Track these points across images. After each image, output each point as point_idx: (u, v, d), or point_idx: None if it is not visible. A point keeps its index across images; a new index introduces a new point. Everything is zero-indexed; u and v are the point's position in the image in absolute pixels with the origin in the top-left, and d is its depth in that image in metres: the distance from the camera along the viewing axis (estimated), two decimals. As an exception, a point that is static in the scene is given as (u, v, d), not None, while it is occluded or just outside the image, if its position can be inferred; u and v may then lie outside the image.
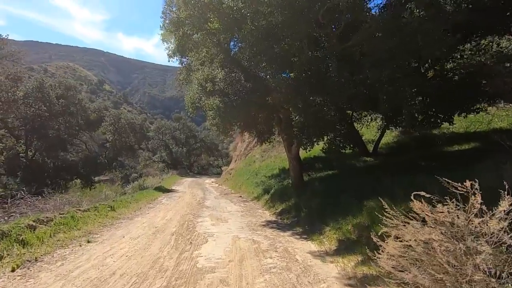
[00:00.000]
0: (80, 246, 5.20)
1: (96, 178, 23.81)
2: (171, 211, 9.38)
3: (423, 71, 6.10)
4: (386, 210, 3.01)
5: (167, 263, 4.29)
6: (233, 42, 9.42)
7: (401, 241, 2.92)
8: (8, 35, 16.10)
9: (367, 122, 12.27)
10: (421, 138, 12.15)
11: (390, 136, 13.92)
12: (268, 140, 12.63)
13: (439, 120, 6.37)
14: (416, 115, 5.96)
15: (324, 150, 8.42)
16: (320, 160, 13.71)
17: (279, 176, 14.08)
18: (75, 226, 6.27)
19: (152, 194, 13.96)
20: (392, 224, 2.93)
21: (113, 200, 9.59)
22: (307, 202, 7.81)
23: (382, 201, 5.58)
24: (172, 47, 9.45)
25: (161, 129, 42.41)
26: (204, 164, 51.12)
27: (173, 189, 18.21)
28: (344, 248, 4.70)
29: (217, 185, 22.21)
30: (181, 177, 31.66)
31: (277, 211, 8.82)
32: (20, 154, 17.05)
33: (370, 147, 12.67)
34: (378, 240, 2.97)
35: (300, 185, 9.91)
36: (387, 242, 2.90)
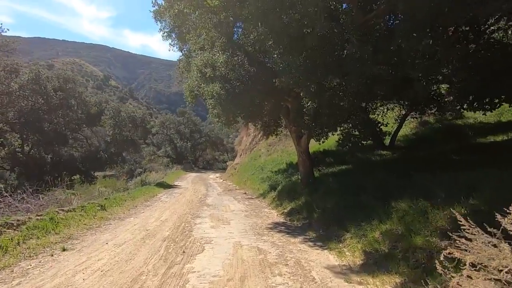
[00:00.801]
0: (52, 256, 4.37)
1: (102, 174, 23.29)
2: (168, 210, 8.54)
3: (467, 41, 4.97)
4: (461, 223, 2.00)
5: (149, 283, 3.40)
6: (236, 24, 8.43)
7: (476, 269, 1.94)
8: (2, 24, 15.33)
9: (383, 112, 11.08)
10: (444, 130, 10.99)
11: (408, 128, 12.77)
12: (275, 133, 11.65)
13: (496, 100, 5.19)
14: (466, 95, 4.89)
15: (339, 142, 7.40)
16: (331, 154, 12.69)
17: (286, 171, 13.12)
18: (53, 229, 5.44)
19: (152, 190, 13.17)
20: (468, 248, 1.92)
21: (106, 198, 8.79)
22: (320, 202, 6.84)
23: (412, 203, 4.56)
24: (167, 29, 8.48)
25: (165, 123, 41.78)
26: (210, 159, 50.43)
27: (176, 185, 17.46)
28: (373, 263, 3.73)
29: (221, 180, 21.40)
30: (185, 172, 31.00)
31: (286, 210, 7.88)
32: (17, 149, 16.45)
33: (385, 140, 11.56)
34: (450, 271, 1.98)
35: (310, 181, 8.94)
36: (463, 274, 1.90)
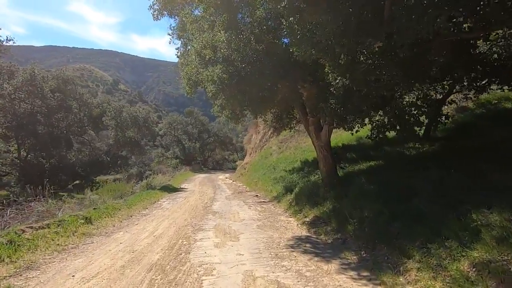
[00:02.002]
0: (-15, 302, 3.08)
1: (112, 177, 22.38)
2: (167, 220, 7.22)
3: None
4: None
5: None
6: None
7: None
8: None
9: (413, 98, 9.32)
10: (492, 115, 9.20)
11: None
12: (289, 126, 10.19)
13: None
14: None
15: (378, 131, 5.87)
16: (352, 149, 11.10)
17: (302, 170, 11.60)
18: (8, 257, 4.18)
19: (154, 195, 11.95)
20: None
21: (94, 208, 7.55)
22: (353, 209, 5.33)
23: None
24: (157, 6, 7.12)
25: (172, 124, 40.90)
26: (219, 159, 49.34)
27: (182, 188, 16.25)
28: (480, 327, 2.22)
29: (230, 181, 20.09)
30: (193, 173, 29.91)
31: (308, 219, 6.40)
32: (13, 154, 15.61)
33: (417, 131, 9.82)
34: None
35: (335, 182, 7.43)
36: None
